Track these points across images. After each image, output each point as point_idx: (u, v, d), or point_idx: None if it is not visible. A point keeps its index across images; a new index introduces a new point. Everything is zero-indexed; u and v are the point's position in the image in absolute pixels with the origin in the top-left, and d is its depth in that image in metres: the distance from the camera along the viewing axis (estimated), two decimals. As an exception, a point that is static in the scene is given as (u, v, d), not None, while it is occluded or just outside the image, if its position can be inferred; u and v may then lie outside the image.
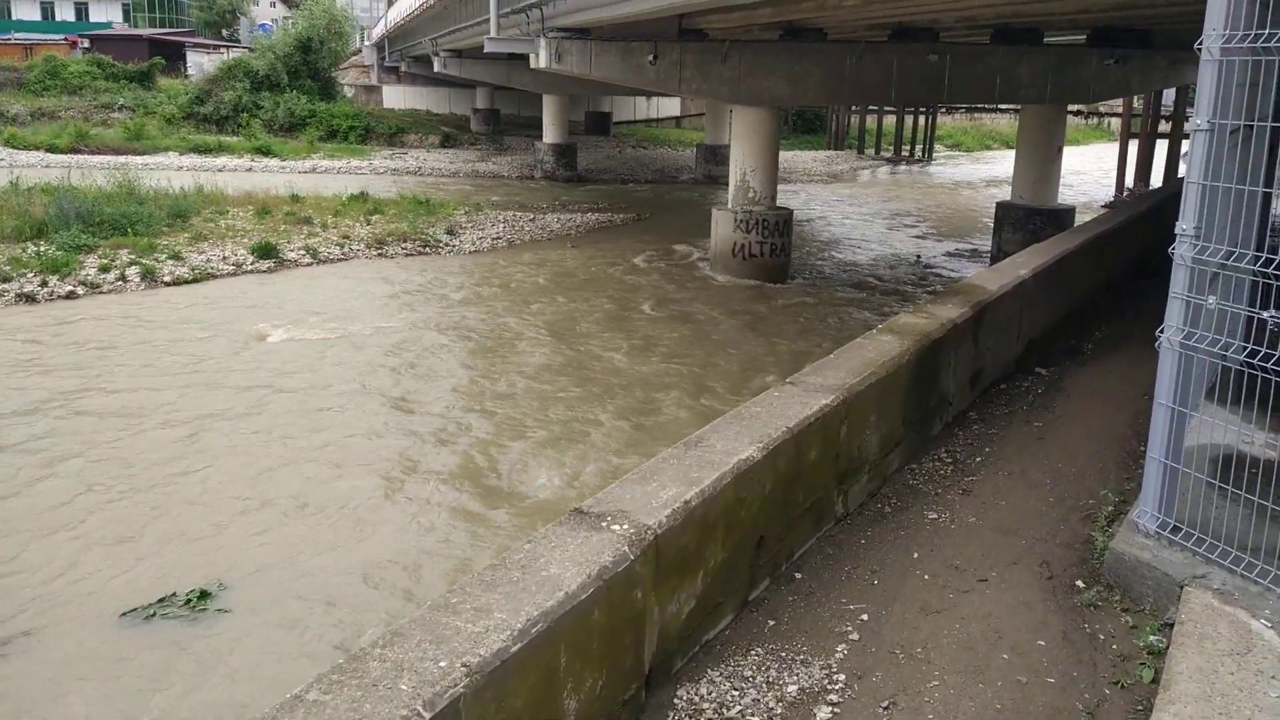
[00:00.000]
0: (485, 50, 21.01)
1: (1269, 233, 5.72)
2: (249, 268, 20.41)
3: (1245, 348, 3.77)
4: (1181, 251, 3.93)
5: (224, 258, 20.69)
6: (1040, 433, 6.19)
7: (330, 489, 10.21)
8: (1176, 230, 3.94)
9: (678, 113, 60.01)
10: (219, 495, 9.99)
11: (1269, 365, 3.67)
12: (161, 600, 7.83)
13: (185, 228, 22.75)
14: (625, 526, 3.25)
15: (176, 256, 20.22)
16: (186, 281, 19.14)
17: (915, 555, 4.56)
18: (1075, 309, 9.24)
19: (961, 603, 4.14)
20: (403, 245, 23.32)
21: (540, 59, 19.57)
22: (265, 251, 21.01)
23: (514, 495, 10.30)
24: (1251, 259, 3.82)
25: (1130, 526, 4.31)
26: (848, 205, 33.98)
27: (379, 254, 22.61)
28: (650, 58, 19.36)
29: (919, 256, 23.70)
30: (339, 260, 21.89)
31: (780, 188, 36.75)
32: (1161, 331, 4.05)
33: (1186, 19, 16.28)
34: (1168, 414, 4.12)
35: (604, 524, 3.28)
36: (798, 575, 4.37)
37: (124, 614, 7.66)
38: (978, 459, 5.74)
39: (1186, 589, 3.90)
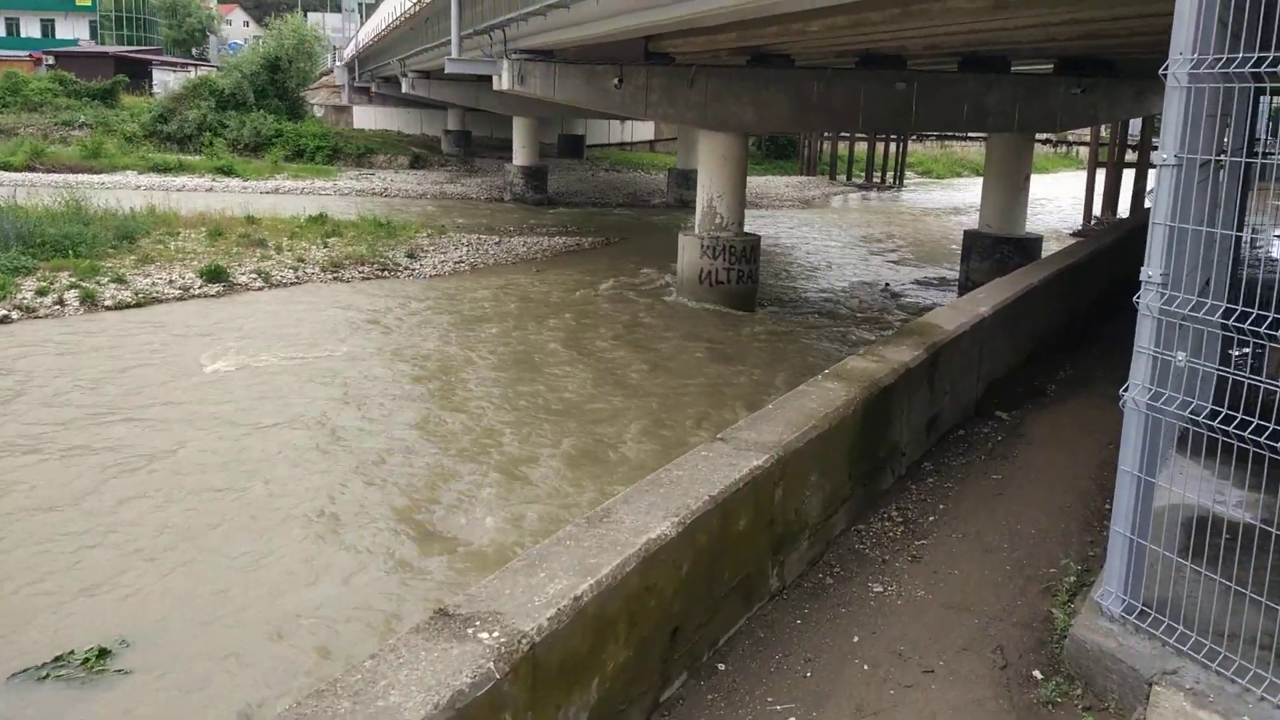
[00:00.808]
0: (446, 71, 20.59)
1: (1246, 269, 5.33)
2: (196, 292, 19.82)
3: (1218, 411, 3.33)
4: (1147, 301, 3.49)
5: (170, 281, 20.08)
6: (999, 486, 5.73)
7: (253, 533, 9.63)
8: (1141, 277, 3.50)
9: (651, 136, 59.84)
10: (131, 539, 9.36)
11: (1245, 433, 3.22)
12: (57, 659, 7.23)
13: (132, 249, 22.07)
14: (496, 634, 2.73)
15: (120, 280, 19.55)
16: (129, 306, 18.50)
17: (855, 639, 4.06)
18: (1039, 346, 8.82)
19: (903, 701, 3.65)
20: (360, 269, 22.77)
21: (503, 81, 19.18)
22: (214, 275, 20.44)
23: (452, 541, 9.75)
24: (1224, 311, 3.38)
25: (1093, 608, 3.84)
26: (819, 231, 33.74)
27: (334, 278, 22.05)
28: (616, 81, 19.02)
29: (888, 284, 23.41)
30: (292, 284, 21.30)
31: (752, 213, 36.66)
32: (1125, 390, 3.61)
33: (1152, 48, 16.10)
34: (1133, 483, 3.67)
35: (470, 630, 2.77)
36: (721, 666, 3.85)
37: (14, 675, 7.07)
38: (931, 518, 5.26)
39: (1156, 688, 3.43)
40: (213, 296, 19.74)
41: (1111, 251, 11.96)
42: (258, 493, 10.53)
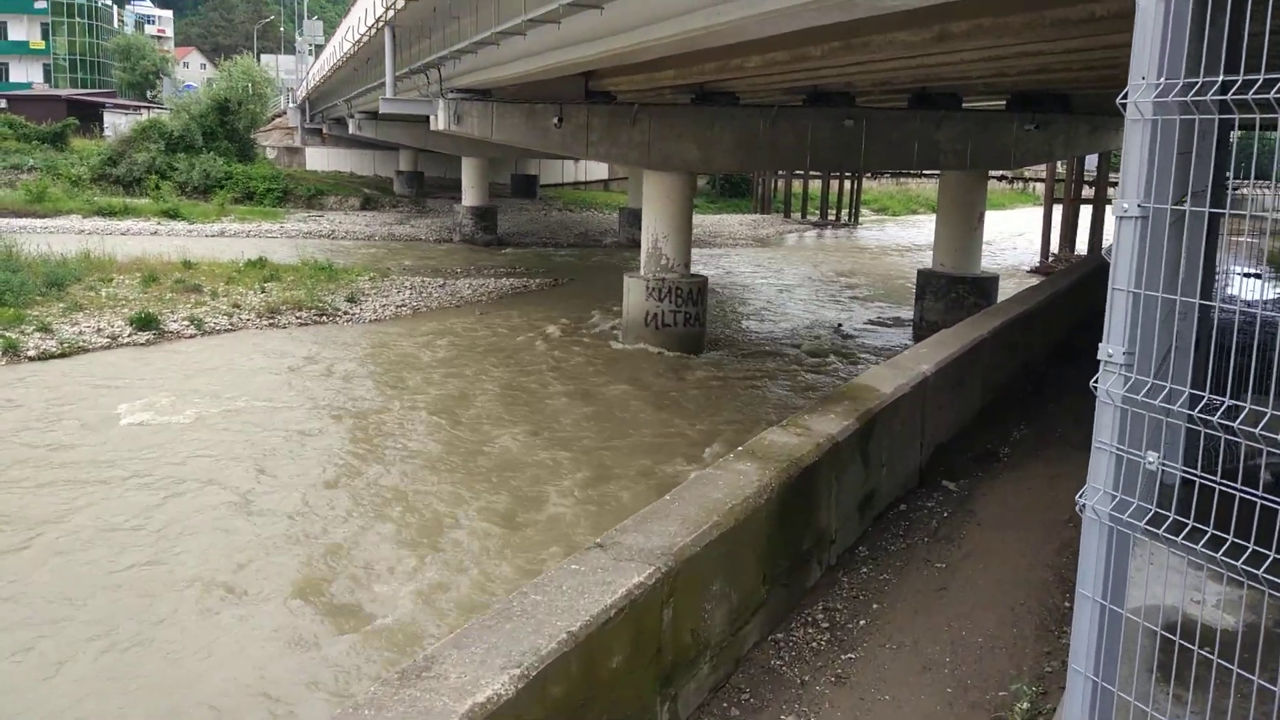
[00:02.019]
0: (381, 112, 19.92)
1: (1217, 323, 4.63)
2: (125, 340, 18.96)
3: (1182, 523, 2.62)
4: (1108, 386, 2.78)
5: (98, 329, 19.22)
6: (942, 578, 4.96)
7: (144, 607, 8.76)
8: (1100, 356, 2.80)
9: (606, 176, 59.51)
10: (10, 619, 8.43)
11: (1219, 554, 2.49)
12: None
13: (61, 297, 21.11)
14: None
15: (45, 328, 18.67)
16: (54, 355, 17.65)
17: (759, 801, 3.29)
18: (991, 403, 8.13)
19: None
20: (297, 314, 21.93)
21: (439, 121, 18.56)
22: (144, 322, 19.61)
23: (361, 618, 8.89)
24: (1188, 399, 2.66)
25: (1049, 763, 3.12)
26: (772, 270, 33.27)
27: (270, 324, 21.20)
28: (555, 120, 18.45)
29: (840, 325, 22.83)
30: (226, 331, 20.45)
31: (706, 251, 36.26)
32: (1082, 495, 2.89)
33: (1105, 83, 15.75)
34: (1095, 612, 2.94)
35: None
36: None
37: None
38: (861, 622, 4.48)
39: None
40: (142, 345, 18.94)
41: (1069, 295, 11.39)
42: (156, 560, 9.68)
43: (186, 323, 20.27)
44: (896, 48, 10.61)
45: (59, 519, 10.51)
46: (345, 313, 22.58)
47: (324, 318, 22.09)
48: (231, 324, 20.85)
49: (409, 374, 17.23)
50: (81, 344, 18.33)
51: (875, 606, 4.63)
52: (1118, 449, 2.79)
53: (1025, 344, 9.35)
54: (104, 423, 13.99)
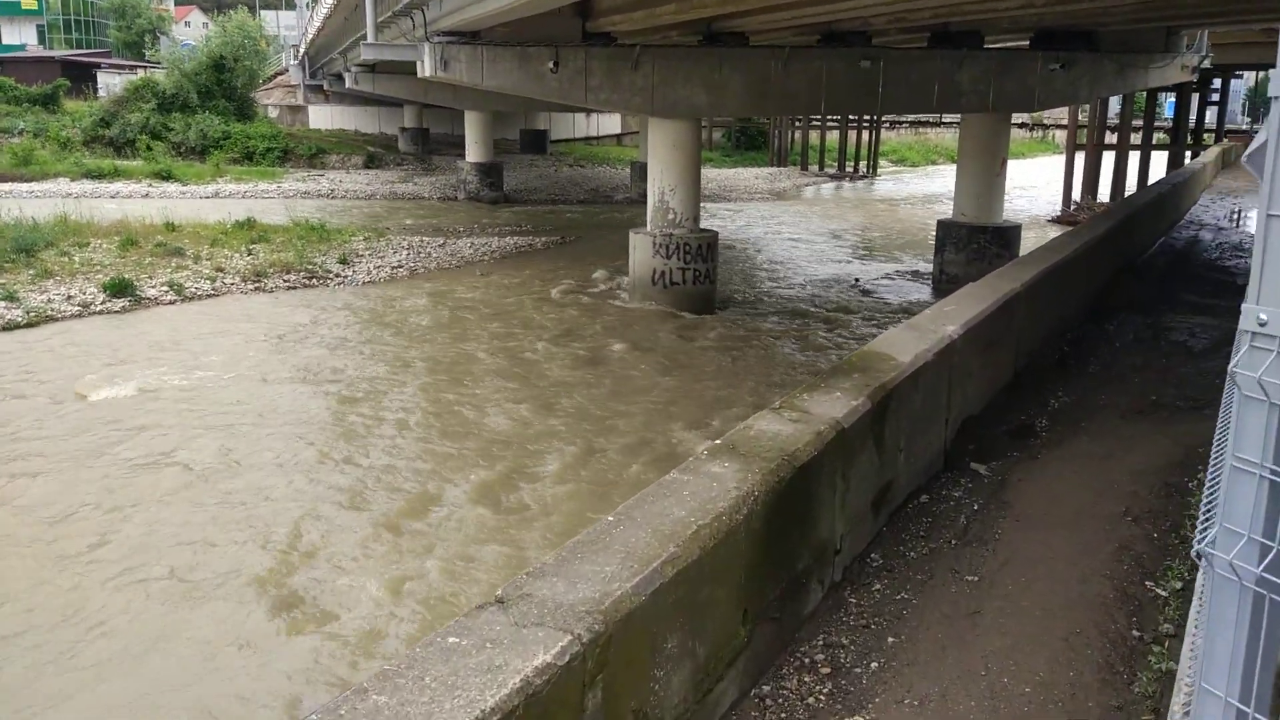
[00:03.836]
0: (363, 58, 18.77)
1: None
2: (99, 308, 18.04)
3: None
4: (1260, 374, 1.72)
5: (69, 297, 18.27)
6: (975, 599, 3.92)
7: (89, 603, 7.87)
8: (1243, 324, 1.75)
9: (619, 130, 58.09)
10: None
11: None
12: None
13: (31, 263, 20.16)
14: None
15: (11, 297, 17.74)
16: (19, 326, 16.76)
17: None
18: (1024, 367, 7.07)
19: None
20: (285, 277, 20.94)
21: (425, 67, 17.42)
22: (119, 289, 18.66)
23: (322, 616, 8.00)
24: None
25: None
26: (788, 224, 32.06)
27: (256, 288, 20.25)
28: (551, 64, 17.24)
29: (858, 280, 21.70)
30: (208, 296, 19.51)
31: (720, 206, 35.10)
32: (1201, 539, 1.85)
33: (1137, 13, 14.46)
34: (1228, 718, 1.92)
35: None
36: None
37: None
38: (873, 664, 3.46)
39: None
40: (116, 313, 18.03)
41: (1105, 243, 10.22)
42: (110, 551, 8.85)
43: (165, 288, 19.35)
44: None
45: (12, 504, 9.70)
46: (336, 275, 21.60)
47: (314, 281, 21.12)
48: (214, 289, 19.92)
49: (402, 339, 16.28)
50: (50, 313, 17.44)
51: (891, 640, 3.60)
52: (1271, 473, 1.75)
53: (1061, 298, 8.24)
54: (63, 396, 13.14)
